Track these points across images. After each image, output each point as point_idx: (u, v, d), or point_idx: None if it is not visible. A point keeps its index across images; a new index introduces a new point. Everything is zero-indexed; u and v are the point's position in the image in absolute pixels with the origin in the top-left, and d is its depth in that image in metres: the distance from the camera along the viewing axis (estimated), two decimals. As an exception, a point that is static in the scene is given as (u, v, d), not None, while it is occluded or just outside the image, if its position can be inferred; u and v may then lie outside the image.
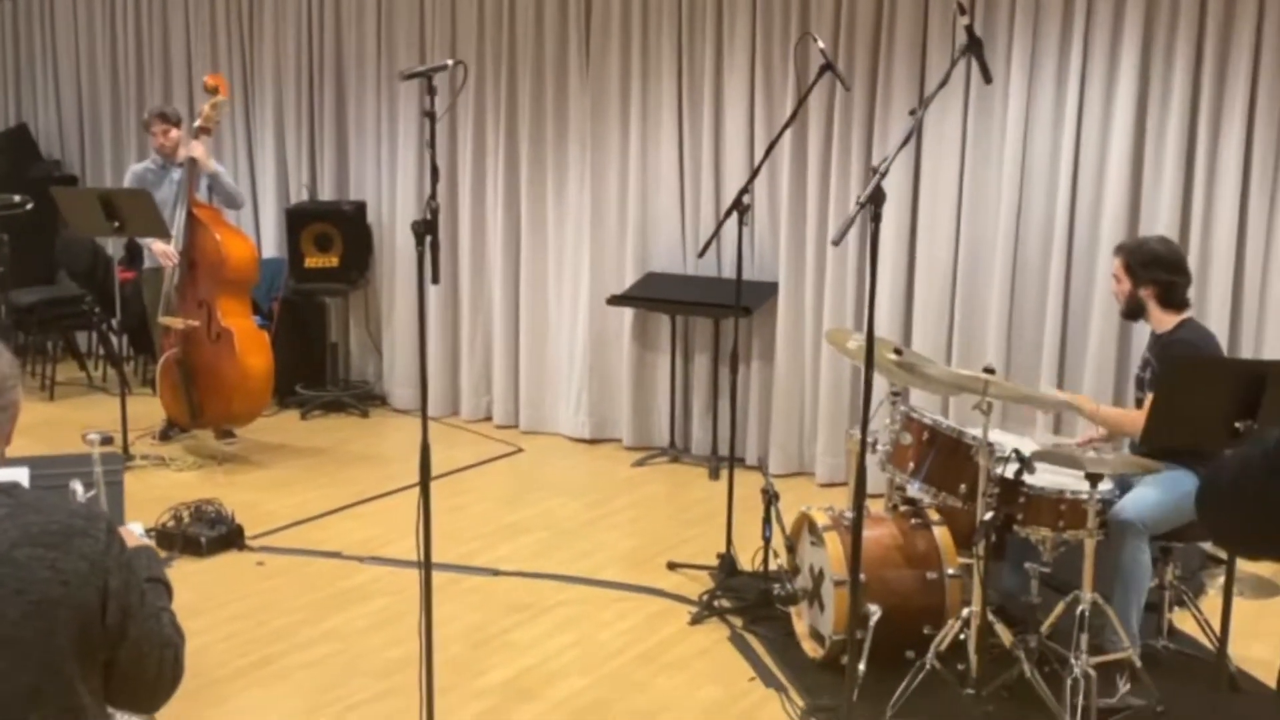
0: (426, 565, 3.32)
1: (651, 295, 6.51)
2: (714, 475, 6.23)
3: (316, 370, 7.48)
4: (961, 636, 3.81)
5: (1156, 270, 4.18)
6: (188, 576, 4.74)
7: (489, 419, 7.20)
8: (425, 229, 3.07)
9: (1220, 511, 1.89)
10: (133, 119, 8.27)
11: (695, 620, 4.50)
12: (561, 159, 6.82)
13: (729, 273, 6.00)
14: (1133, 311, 4.28)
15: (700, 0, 6.32)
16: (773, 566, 4.64)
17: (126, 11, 8.19)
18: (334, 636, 4.31)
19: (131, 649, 1.96)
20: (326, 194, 7.60)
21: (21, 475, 2.16)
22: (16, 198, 7.18)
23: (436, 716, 3.37)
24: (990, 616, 3.75)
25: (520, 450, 6.73)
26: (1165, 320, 4.20)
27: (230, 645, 4.15)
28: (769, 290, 6.25)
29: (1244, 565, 5.02)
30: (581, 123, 6.71)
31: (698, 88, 6.39)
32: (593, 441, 6.84)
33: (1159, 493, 3.98)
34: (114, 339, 7.82)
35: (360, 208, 7.43)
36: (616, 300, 6.57)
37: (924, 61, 5.81)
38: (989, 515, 3.68)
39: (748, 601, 4.58)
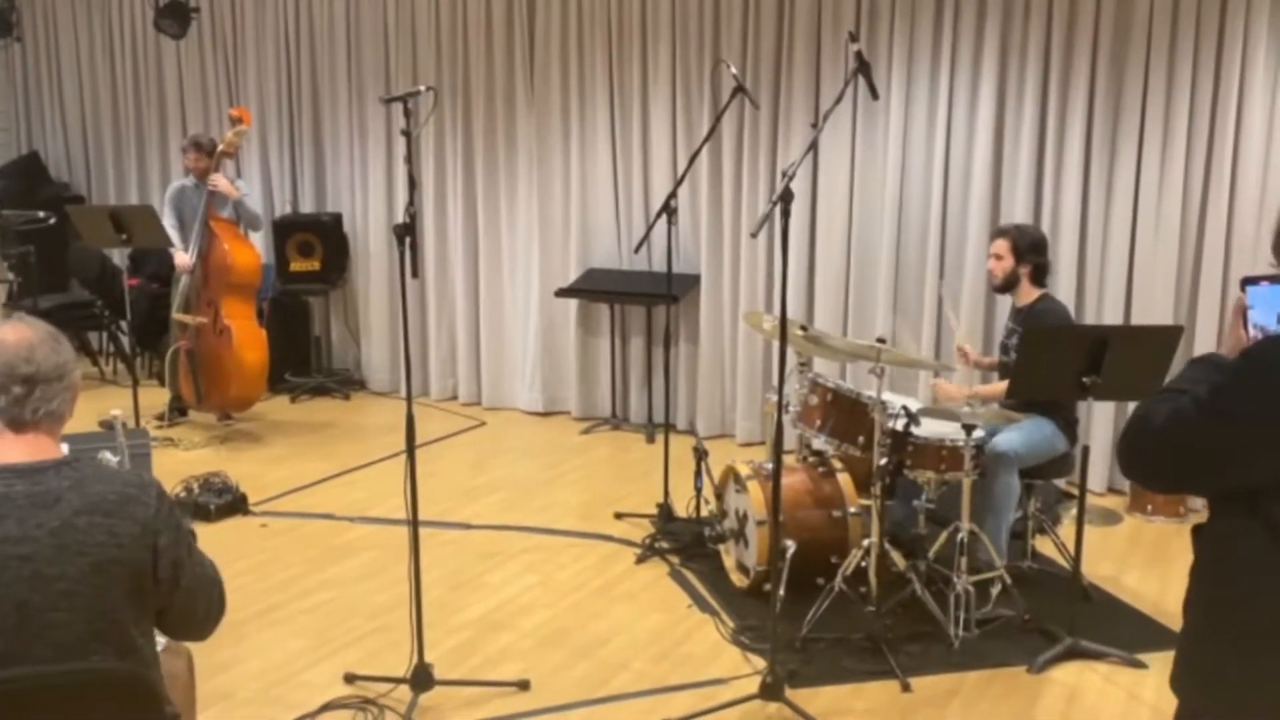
0: (414, 519, 3.33)
1: (593, 287, 6.53)
2: (650, 439, 6.29)
3: (303, 360, 7.41)
4: (863, 564, 3.89)
5: (1037, 253, 4.29)
6: (200, 539, 4.67)
7: (455, 398, 7.19)
8: (405, 231, 3.07)
9: (1148, 453, 1.81)
10: (132, 144, 8.12)
11: (640, 560, 4.55)
12: (512, 171, 6.81)
13: (659, 267, 6.07)
14: (1007, 285, 4.35)
15: (628, 33, 6.34)
16: (704, 512, 4.72)
17: (124, 49, 8.02)
18: (331, 585, 4.31)
19: (185, 595, 1.98)
20: (307, 207, 7.52)
21: (64, 449, 2.16)
22: (41, 214, 7.03)
23: (425, 647, 3.39)
24: (886, 546, 3.84)
25: (483, 424, 6.73)
26: (1030, 294, 4.31)
27: (241, 595, 4.15)
28: (693, 281, 6.30)
29: (1092, 499, 5.19)
30: (529, 140, 6.70)
31: (628, 109, 6.42)
32: (545, 414, 6.85)
33: (1026, 433, 4.11)
34: (123, 338, 7.68)
35: (337, 218, 7.36)
36: (563, 293, 6.59)
37: (818, 82, 5.89)
38: (883, 462, 3.78)
39: (684, 542, 4.64)
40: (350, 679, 3.52)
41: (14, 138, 8.69)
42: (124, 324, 7.38)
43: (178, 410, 6.51)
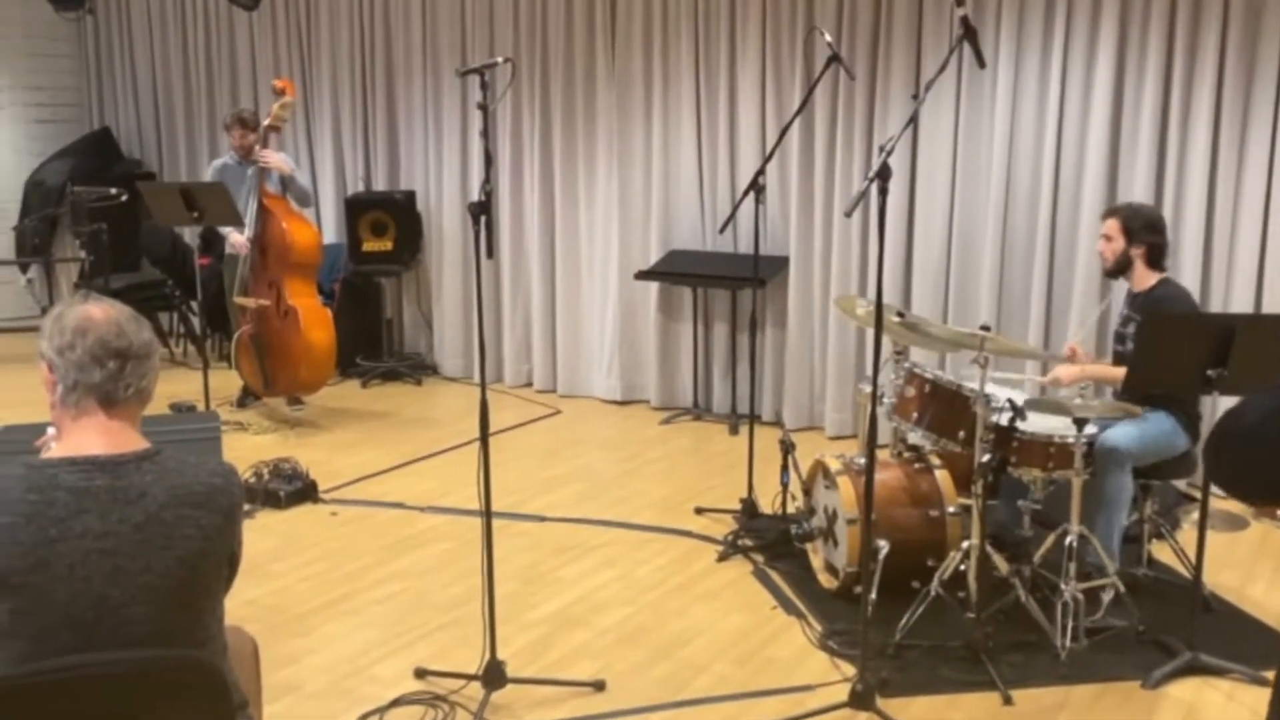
0: (487, 510, 3.36)
1: (674, 270, 6.51)
2: (734, 431, 6.26)
3: (374, 344, 7.54)
4: (961, 567, 3.83)
5: (1152, 233, 4.17)
6: (270, 526, 4.82)
7: (530, 384, 7.24)
8: (480, 209, 3.09)
9: (1234, 452, 1.69)
10: (204, 120, 8.33)
11: (722, 557, 4.54)
12: (591, 148, 6.82)
13: (744, 248, 6.03)
14: (1119, 269, 4.24)
15: (715, 2, 6.31)
16: (790, 509, 4.68)
17: (196, 23, 8.23)
18: (402, 576, 4.37)
19: (236, 566, 2.05)
20: (380, 184, 7.64)
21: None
22: (112, 190, 7.23)
23: (497, 643, 3.42)
24: (988, 549, 3.76)
25: (559, 412, 6.77)
26: (1147, 279, 4.19)
27: (311, 585, 4.23)
28: (781, 263, 6.25)
29: (1216, 502, 5.04)
30: (609, 115, 6.71)
31: (714, 81, 6.38)
32: (624, 403, 6.87)
33: (1142, 428, 3.99)
34: (193, 319, 7.89)
35: (410, 196, 7.46)
36: (643, 275, 6.59)
37: (919, 51, 5.79)
38: (986, 458, 3.70)
39: (768, 540, 4.61)
40: (421, 674, 3.57)
41: (86, 113, 8.98)
42: (194, 304, 7.57)
43: (251, 395, 6.67)
